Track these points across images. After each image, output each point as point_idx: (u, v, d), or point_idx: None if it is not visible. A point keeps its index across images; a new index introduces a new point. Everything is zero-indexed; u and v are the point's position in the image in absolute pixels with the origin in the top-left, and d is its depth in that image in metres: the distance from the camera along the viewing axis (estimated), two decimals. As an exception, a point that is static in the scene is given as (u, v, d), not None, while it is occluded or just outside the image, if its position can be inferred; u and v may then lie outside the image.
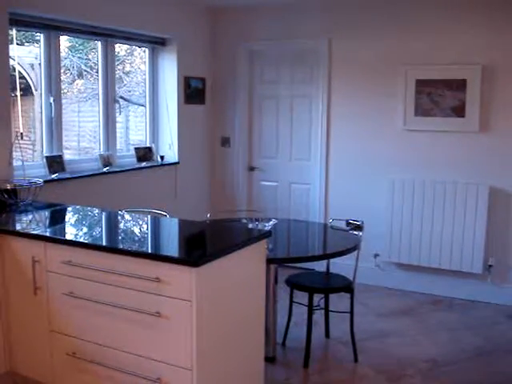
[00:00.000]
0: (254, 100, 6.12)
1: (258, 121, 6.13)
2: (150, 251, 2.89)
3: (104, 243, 3.05)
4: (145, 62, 5.72)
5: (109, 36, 5.07)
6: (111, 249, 2.89)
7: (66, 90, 5.08)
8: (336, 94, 5.64)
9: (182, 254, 2.93)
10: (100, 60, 5.13)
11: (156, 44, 5.63)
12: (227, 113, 6.21)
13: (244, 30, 5.98)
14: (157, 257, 2.73)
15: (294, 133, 5.94)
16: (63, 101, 4.79)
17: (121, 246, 2.96)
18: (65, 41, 5.02)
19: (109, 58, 5.16)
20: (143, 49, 5.68)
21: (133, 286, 2.79)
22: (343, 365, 3.98)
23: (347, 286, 3.99)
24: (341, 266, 4.51)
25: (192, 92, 5.89)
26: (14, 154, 4.11)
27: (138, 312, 2.78)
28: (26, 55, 4.70)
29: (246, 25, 5.97)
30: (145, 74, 5.73)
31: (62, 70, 4.76)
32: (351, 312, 4.06)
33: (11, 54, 4.16)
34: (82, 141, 5.30)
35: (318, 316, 4.44)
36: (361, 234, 4.03)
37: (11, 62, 4.24)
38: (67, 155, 4.95)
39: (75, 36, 4.91)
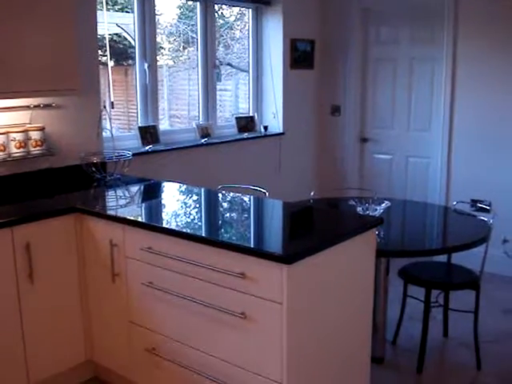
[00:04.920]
0: (369, 63, 5.54)
1: (372, 86, 5.56)
2: (234, 242, 2.44)
3: (185, 229, 2.64)
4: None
5: (208, -5, 4.68)
6: (192, 236, 2.51)
7: (177, 58, 4.97)
8: (463, 56, 4.92)
9: (272, 247, 2.45)
10: (199, 23, 4.76)
11: (260, 3, 5.17)
12: (338, 78, 5.67)
13: (358, -15, 5.37)
14: (241, 249, 2.32)
15: (412, 99, 5.32)
16: (172, 69, 4.51)
17: (204, 234, 2.59)
18: (175, 7, 4.85)
19: (208, 21, 4.79)
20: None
21: (217, 280, 2.42)
22: (463, 372, 3.41)
23: (472, 283, 3.39)
24: (464, 253, 3.88)
25: (299, 56, 5.41)
26: (108, 124, 3.87)
27: (221, 311, 2.41)
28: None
29: (361, -21, 5.35)
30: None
31: (173, 38, 4.48)
32: (476, 312, 3.46)
33: (114, 20, 4.02)
34: (192, 109, 5.05)
35: (436, 312, 3.88)
36: (491, 221, 3.38)
37: (115, 30, 4.06)
38: (177, 124, 4.72)
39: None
